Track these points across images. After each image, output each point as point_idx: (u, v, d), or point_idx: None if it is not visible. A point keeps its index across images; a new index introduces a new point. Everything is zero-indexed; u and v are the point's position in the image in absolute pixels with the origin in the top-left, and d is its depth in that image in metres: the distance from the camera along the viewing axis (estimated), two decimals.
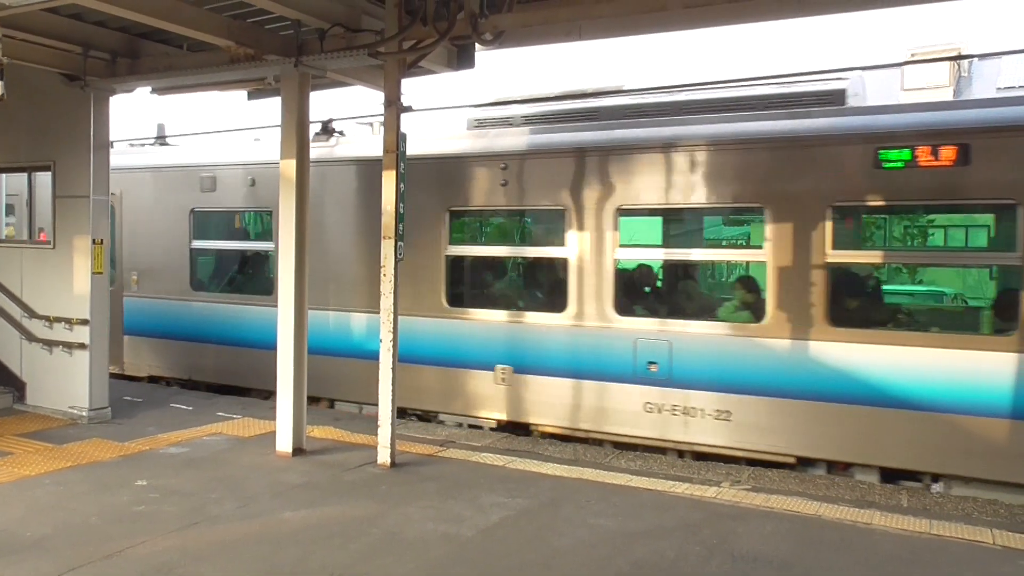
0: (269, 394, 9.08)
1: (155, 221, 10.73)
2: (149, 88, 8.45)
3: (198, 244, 10.53)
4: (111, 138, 8.68)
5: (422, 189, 8.51)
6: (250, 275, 10.59)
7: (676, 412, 7.64)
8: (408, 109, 6.89)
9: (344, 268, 9.32)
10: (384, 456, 6.85)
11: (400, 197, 6.80)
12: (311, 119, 7.35)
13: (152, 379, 10.95)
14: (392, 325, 6.75)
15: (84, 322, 8.26)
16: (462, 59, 7.29)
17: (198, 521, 5.50)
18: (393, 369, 6.77)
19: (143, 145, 11.86)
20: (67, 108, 8.31)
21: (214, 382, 10.42)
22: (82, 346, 8.29)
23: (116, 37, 7.91)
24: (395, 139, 6.75)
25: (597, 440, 8.11)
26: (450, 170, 8.76)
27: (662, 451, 7.83)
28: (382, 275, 6.82)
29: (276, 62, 6.98)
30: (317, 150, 8.61)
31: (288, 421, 7.18)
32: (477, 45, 6.93)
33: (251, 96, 8.38)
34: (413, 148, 7.45)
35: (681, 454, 7.80)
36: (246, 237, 10.98)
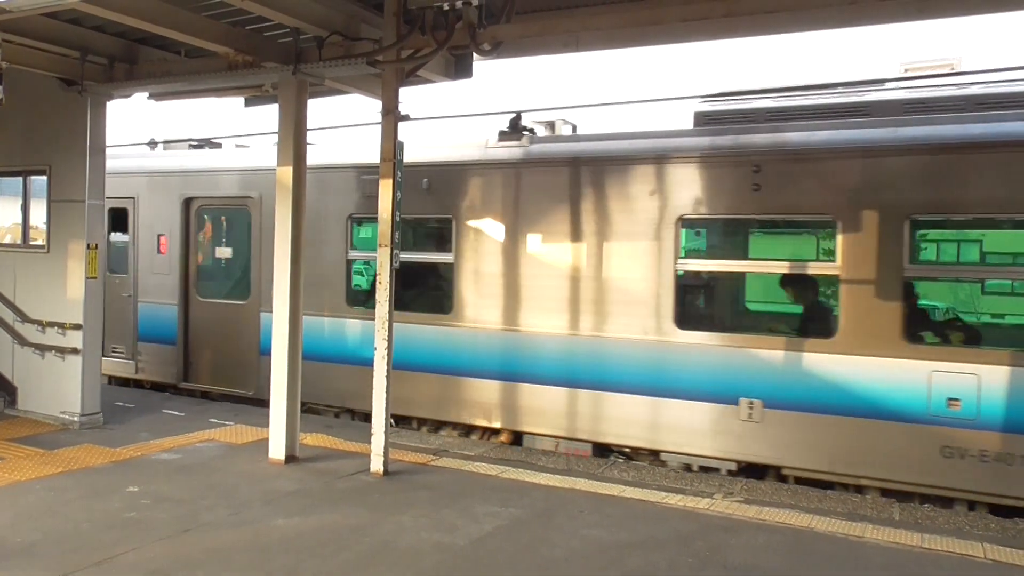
0: (466, 427, 8.68)
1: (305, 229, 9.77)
2: (147, 93, 8.45)
3: (357, 255, 9.45)
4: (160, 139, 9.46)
5: (645, 193, 7.68)
6: (424, 290, 9.29)
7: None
8: (406, 118, 6.91)
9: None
10: (377, 464, 6.83)
11: (397, 205, 6.81)
12: (324, 125, 7.37)
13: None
14: (387, 332, 6.74)
15: (77, 327, 8.23)
16: (460, 68, 7.32)
17: (190, 528, 5.47)
18: (387, 377, 6.77)
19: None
20: (64, 112, 8.30)
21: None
22: (75, 351, 8.25)
23: (114, 42, 7.92)
24: (392, 147, 6.76)
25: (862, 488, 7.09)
26: (678, 172, 7.67)
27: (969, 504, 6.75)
28: (378, 283, 6.82)
29: (274, 69, 7.00)
30: (508, 150, 8.25)
31: (281, 428, 7.17)
32: (475, 55, 6.97)
33: (248, 103, 8.41)
34: (624, 145, 7.36)
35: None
36: (417, 247, 9.24)
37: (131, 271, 10.97)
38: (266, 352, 8.74)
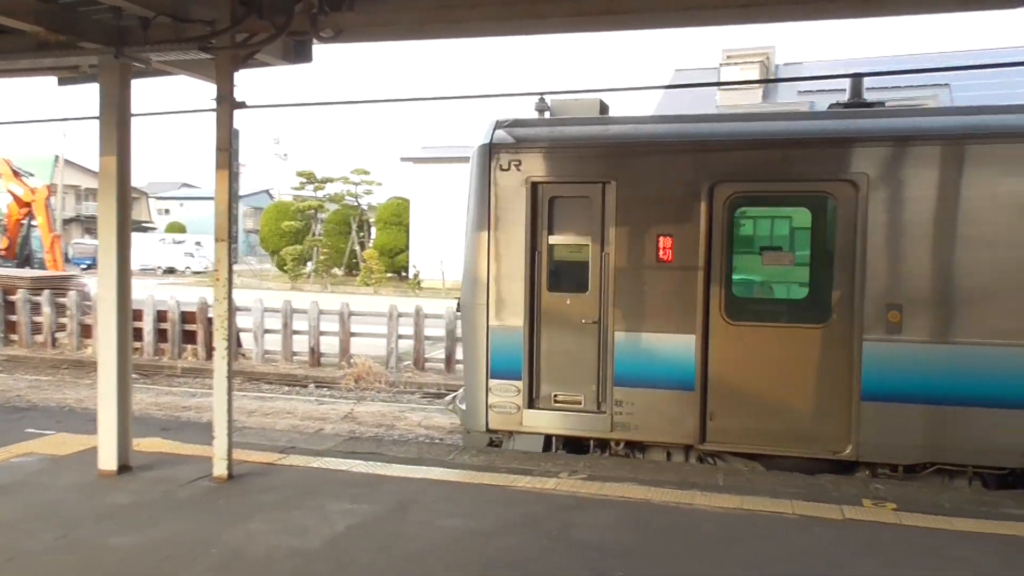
0: None
1: (975, 223, 6.74)
2: None
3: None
4: None
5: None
6: None
7: None
8: (242, 105, 6.59)
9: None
10: (220, 468, 6.57)
11: (233, 197, 6.52)
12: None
13: (911, 469, 7.11)
14: (226, 332, 6.46)
15: None
16: (299, 52, 7.05)
17: (12, 557, 5.02)
18: (228, 378, 6.49)
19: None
20: None
21: None
22: None
23: None
24: (227, 136, 6.44)
25: None
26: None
27: None
28: (215, 280, 6.51)
29: (94, 51, 6.42)
30: None
31: (111, 434, 6.69)
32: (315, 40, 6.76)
33: (62, 82, 7.65)
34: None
35: None
36: None
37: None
38: (875, 396, 6.89)
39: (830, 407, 7.12)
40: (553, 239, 7.76)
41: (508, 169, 7.74)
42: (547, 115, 8.36)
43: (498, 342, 7.82)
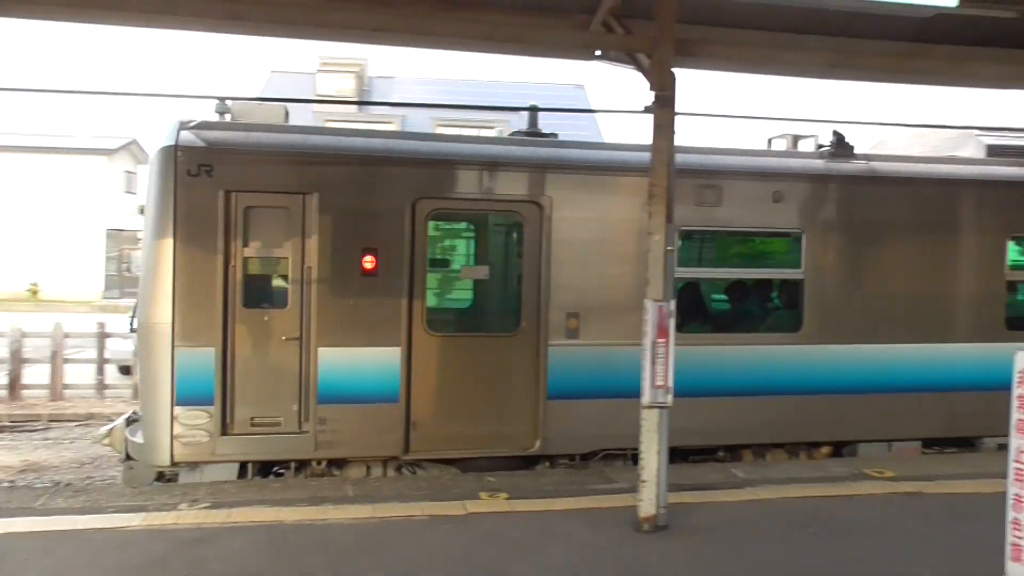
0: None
1: (617, 242, 7.86)
2: None
3: (688, 272, 8.25)
4: None
5: None
6: (772, 308, 8.91)
7: None
8: None
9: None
10: None
11: None
12: None
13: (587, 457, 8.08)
14: None
15: None
16: None
17: None
18: None
19: None
20: None
21: (716, 445, 8.36)
22: None
23: None
24: None
25: None
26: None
27: None
28: None
29: None
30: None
31: None
32: None
33: None
34: None
35: None
36: (757, 264, 9.02)
37: None
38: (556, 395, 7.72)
39: (521, 408, 7.78)
40: (249, 252, 7.27)
41: (197, 175, 6.97)
42: (228, 118, 7.68)
43: (186, 365, 7.05)
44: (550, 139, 8.47)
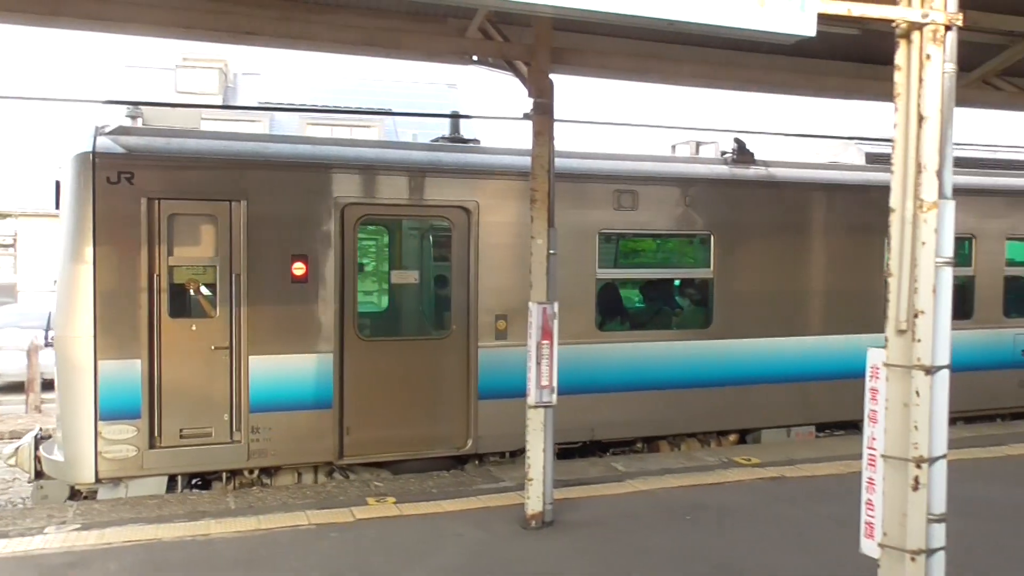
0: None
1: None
2: None
3: (607, 274, 8.72)
4: None
5: None
6: (684, 307, 9.56)
7: None
8: None
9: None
10: None
11: None
12: None
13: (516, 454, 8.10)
14: None
15: None
16: None
17: None
18: None
19: None
20: None
21: (634, 437, 8.75)
22: None
23: None
24: None
25: None
26: None
27: None
28: None
29: None
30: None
31: None
32: None
33: None
34: None
35: None
36: (670, 264, 9.48)
37: None
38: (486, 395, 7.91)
39: (453, 409, 7.94)
40: (174, 260, 7.12)
41: (117, 182, 6.69)
42: (140, 122, 7.37)
43: (110, 378, 6.82)
44: (475, 145, 8.71)
